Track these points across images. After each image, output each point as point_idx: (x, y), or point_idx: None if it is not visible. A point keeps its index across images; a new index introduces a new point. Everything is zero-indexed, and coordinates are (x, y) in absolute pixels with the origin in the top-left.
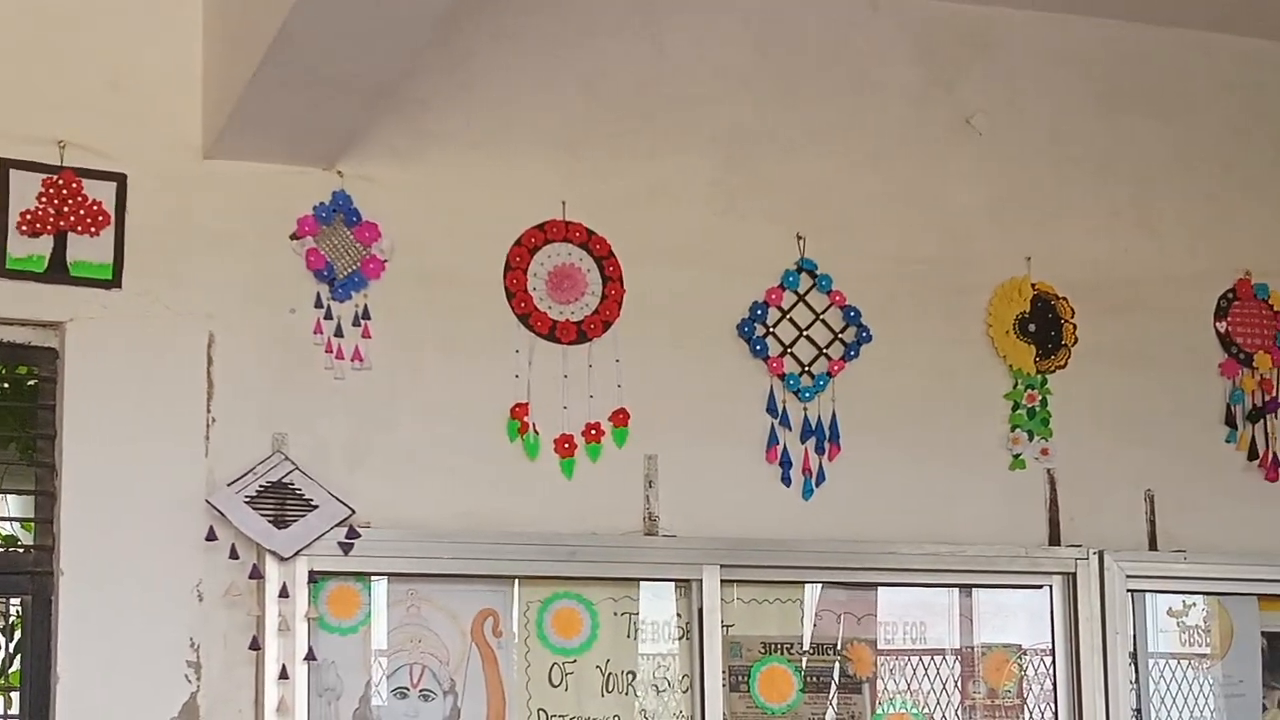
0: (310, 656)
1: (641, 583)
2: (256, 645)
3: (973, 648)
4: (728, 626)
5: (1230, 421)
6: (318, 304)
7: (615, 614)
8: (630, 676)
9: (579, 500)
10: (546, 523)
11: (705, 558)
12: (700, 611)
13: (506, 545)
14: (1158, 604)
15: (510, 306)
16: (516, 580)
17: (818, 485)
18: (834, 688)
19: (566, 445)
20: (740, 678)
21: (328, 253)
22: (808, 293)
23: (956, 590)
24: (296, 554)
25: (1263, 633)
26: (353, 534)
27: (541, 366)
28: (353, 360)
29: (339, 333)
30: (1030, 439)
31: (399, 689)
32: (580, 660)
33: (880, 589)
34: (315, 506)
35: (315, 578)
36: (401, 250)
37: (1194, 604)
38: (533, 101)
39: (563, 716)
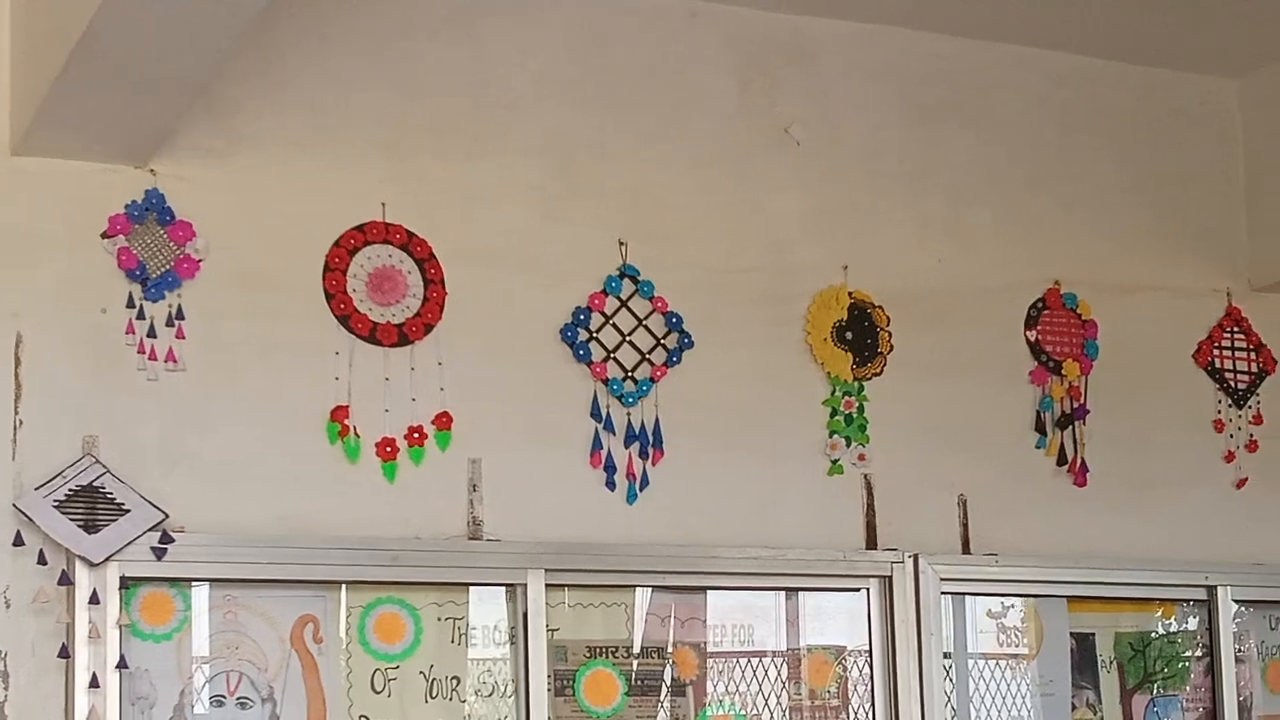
0: (122, 664)
1: (471, 587)
2: (66, 653)
3: (798, 650)
4: (553, 630)
5: (1040, 428)
6: (130, 304)
7: (439, 619)
8: (455, 681)
9: (401, 504)
10: (368, 527)
11: (529, 562)
12: (525, 615)
13: (327, 550)
14: (977, 606)
15: (330, 308)
16: (339, 585)
17: (641, 489)
18: (665, 690)
19: (388, 448)
20: (565, 682)
21: (140, 252)
22: (630, 298)
23: (783, 593)
24: (107, 559)
25: (1072, 634)
26: (166, 539)
27: (362, 369)
28: (166, 361)
29: (152, 333)
30: (848, 445)
31: (216, 697)
32: (403, 666)
33: (709, 592)
34: (127, 511)
35: (127, 584)
36: (217, 250)
37: (1012, 605)
38: (351, 102)
39: None
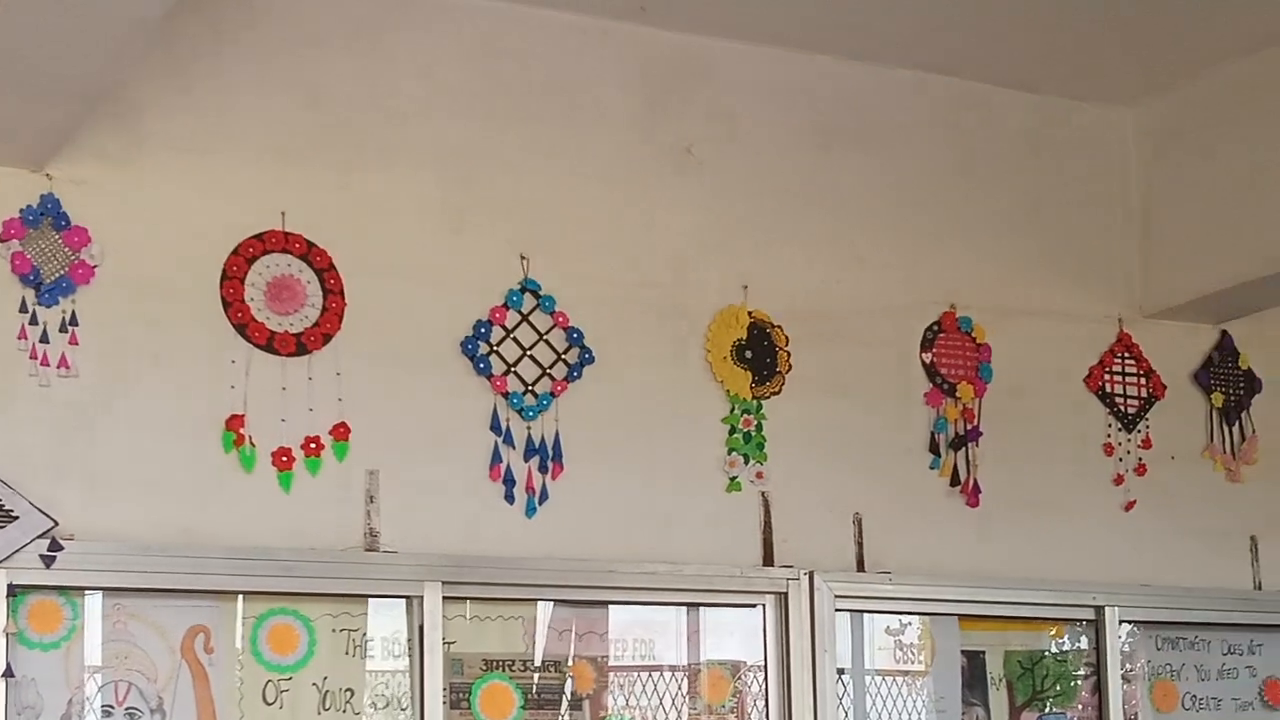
0: (8, 673)
1: (370, 599)
2: None
3: (698, 664)
4: (449, 643)
5: (934, 449)
6: (22, 309)
7: (334, 630)
8: (349, 694)
9: (297, 514)
10: (262, 537)
11: (426, 574)
12: (421, 628)
13: (219, 560)
14: (875, 622)
15: (227, 316)
16: (234, 595)
17: (541, 504)
18: (564, 703)
19: (284, 458)
20: (461, 695)
21: (34, 257)
22: (531, 313)
23: (685, 608)
24: None
25: (963, 651)
26: (55, 546)
27: (259, 378)
28: (59, 367)
29: (45, 339)
30: (746, 462)
31: (105, 707)
32: (296, 677)
33: (610, 607)
34: (15, 518)
35: (15, 591)
36: (113, 256)
37: (909, 623)
38: (253, 110)
39: None
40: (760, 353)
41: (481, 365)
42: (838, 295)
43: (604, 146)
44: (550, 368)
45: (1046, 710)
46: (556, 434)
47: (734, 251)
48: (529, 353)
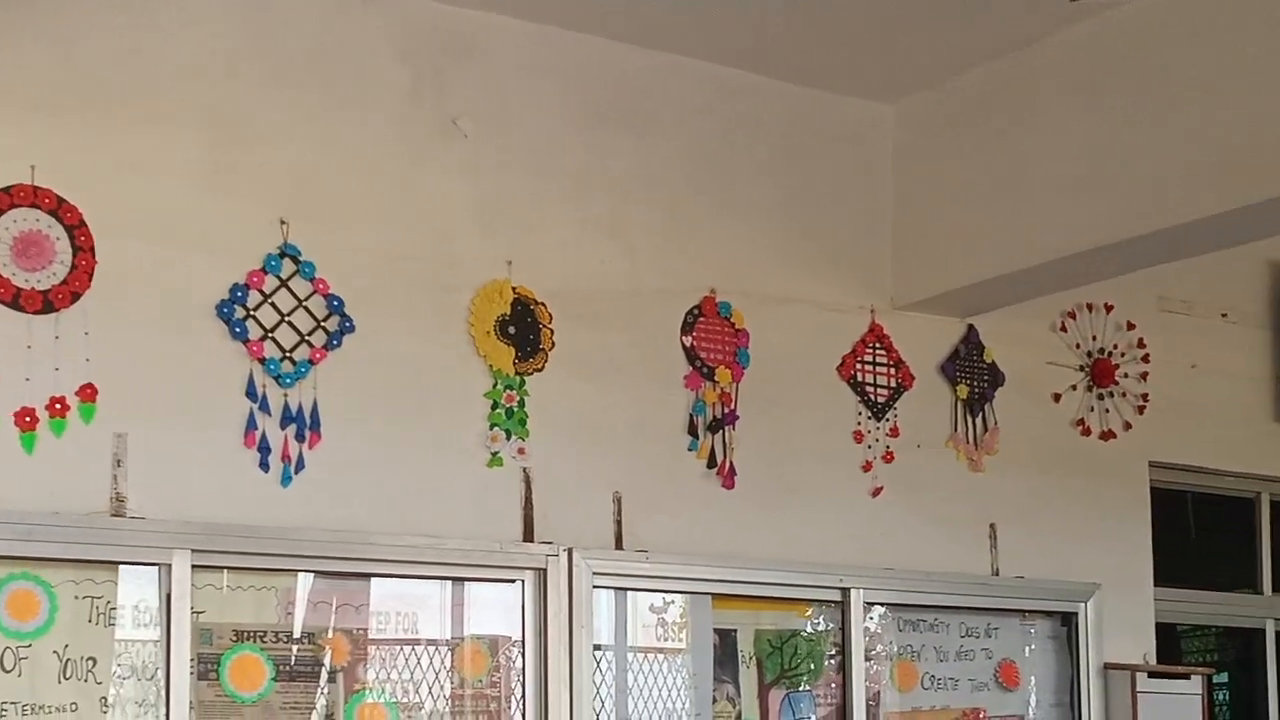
0: None
1: (120, 566)
2: None
3: (461, 639)
4: (199, 613)
5: (693, 431)
6: None
7: (77, 597)
8: (91, 662)
9: (40, 477)
10: (3, 499)
11: (175, 541)
12: (169, 597)
13: None
14: (639, 600)
15: None
16: None
17: (297, 472)
18: (324, 676)
19: (28, 419)
20: (210, 666)
21: None
22: (290, 278)
23: (449, 582)
24: None
25: (715, 629)
26: None
27: (3, 335)
28: None
29: None
30: (508, 438)
31: None
32: (35, 644)
33: (372, 579)
34: None
35: None
36: None
37: (673, 601)
38: (3, 61)
39: (14, 704)
40: (524, 329)
41: (237, 329)
42: (601, 275)
43: (370, 115)
44: (309, 335)
45: (797, 688)
46: (315, 402)
47: (499, 227)
48: (287, 319)
